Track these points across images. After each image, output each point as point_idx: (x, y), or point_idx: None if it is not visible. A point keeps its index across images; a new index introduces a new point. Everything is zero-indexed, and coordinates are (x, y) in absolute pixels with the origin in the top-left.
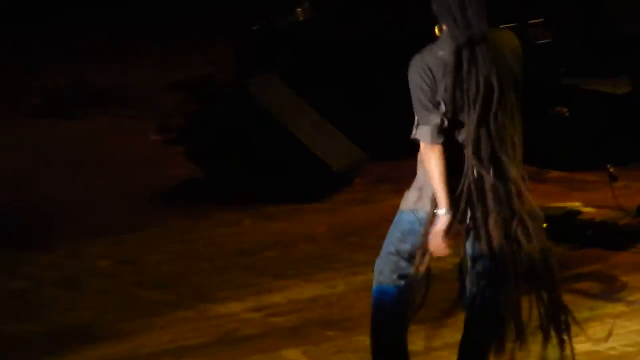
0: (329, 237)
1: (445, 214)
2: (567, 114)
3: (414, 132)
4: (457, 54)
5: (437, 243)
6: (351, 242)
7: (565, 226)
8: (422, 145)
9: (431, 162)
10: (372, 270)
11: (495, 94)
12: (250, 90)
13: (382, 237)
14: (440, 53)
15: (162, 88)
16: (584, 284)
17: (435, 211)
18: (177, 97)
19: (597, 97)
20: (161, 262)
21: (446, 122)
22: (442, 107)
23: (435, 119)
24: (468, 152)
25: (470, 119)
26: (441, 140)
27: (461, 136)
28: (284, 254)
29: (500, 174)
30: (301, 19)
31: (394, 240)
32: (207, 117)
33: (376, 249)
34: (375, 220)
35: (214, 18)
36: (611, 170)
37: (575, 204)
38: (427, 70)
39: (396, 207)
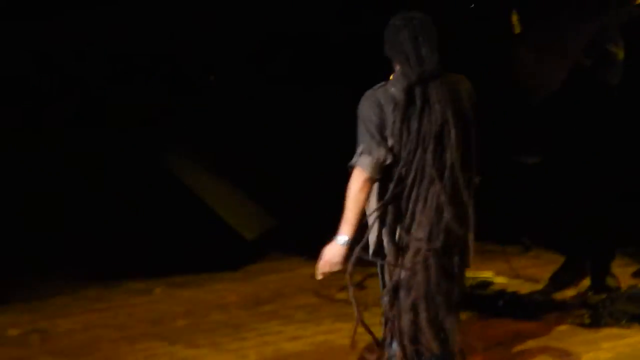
0: (241, 306)
1: (344, 244)
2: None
3: (354, 159)
4: (409, 90)
5: (323, 270)
6: (263, 312)
7: (477, 296)
8: (356, 172)
9: (357, 189)
10: (283, 340)
11: (451, 132)
12: (160, 158)
13: (294, 306)
14: (392, 90)
15: None
16: (495, 355)
17: (336, 237)
18: None
19: (514, 167)
20: (72, 331)
21: (389, 159)
22: (389, 142)
23: (380, 152)
24: (411, 187)
25: (418, 156)
26: (379, 177)
27: (403, 173)
28: (195, 323)
29: (440, 210)
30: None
31: None
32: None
33: (288, 318)
34: (287, 290)
35: None
36: (526, 241)
37: (487, 274)
38: (378, 104)
39: (309, 277)
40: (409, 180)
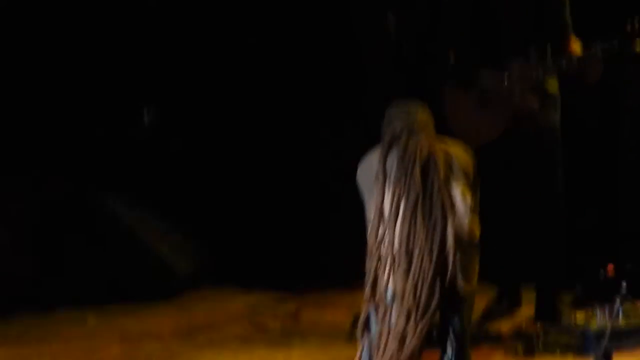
0: (175, 335)
1: None
2: None
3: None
4: (394, 135)
5: None
6: (197, 341)
7: None
8: None
9: None
10: None
11: (435, 175)
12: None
13: (229, 336)
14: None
15: None
16: None
17: None
18: None
19: None
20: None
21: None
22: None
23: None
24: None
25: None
26: None
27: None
28: (129, 352)
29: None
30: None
31: None
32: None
33: (222, 347)
34: (221, 319)
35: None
36: None
37: None
38: (371, 168)
39: (242, 306)
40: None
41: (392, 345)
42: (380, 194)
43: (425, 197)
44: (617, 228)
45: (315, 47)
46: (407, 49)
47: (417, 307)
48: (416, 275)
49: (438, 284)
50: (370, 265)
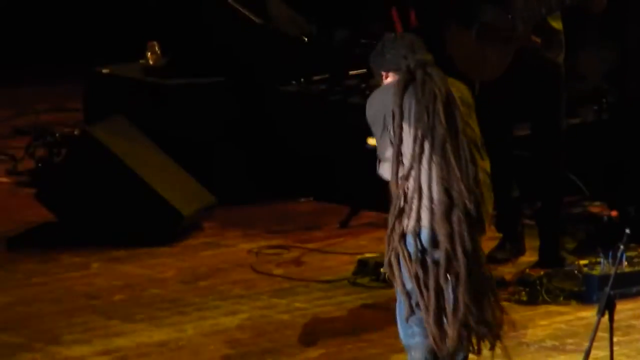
0: (178, 281)
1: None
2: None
3: (378, 168)
4: (409, 73)
5: None
6: (200, 287)
7: None
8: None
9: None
10: (221, 315)
11: (457, 110)
12: (96, 134)
13: (231, 282)
14: (393, 90)
15: (7, 133)
16: None
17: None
18: (24, 142)
19: None
20: (8, 304)
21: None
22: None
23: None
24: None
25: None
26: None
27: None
28: (133, 297)
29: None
30: (151, 63)
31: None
32: (54, 161)
33: (225, 293)
34: (225, 265)
35: (60, 64)
36: None
37: None
38: (383, 104)
39: (245, 252)
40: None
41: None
42: (398, 133)
43: (451, 136)
44: (620, 172)
45: None
46: None
47: (464, 249)
48: (459, 216)
49: (478, 224)
50: (395, 203)
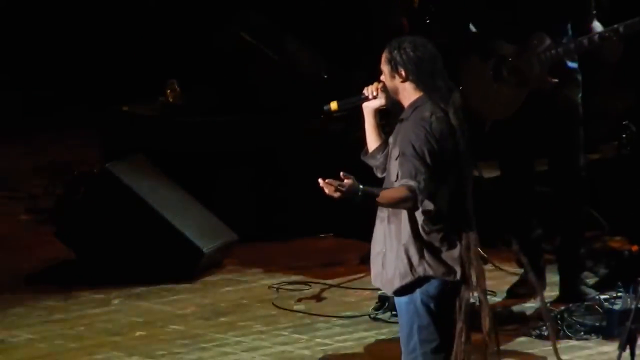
0: (199, 317)
1: (360, 192)
2: None
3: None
4: (455, 114)
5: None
6: (221, 323)
7: None
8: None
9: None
10: (242, 351)
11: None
12: (115, 171)
13: (252, 318)
14: (438, 115)
15: (27, 172)
16: None
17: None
18: (44, 180)
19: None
20: (29, 341)
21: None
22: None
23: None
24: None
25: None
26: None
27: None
28: (153, 334)
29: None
30: (170, 100)
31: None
32: (73, 199)
33: (246, 329)
34: (245, 301)
35: (80, 102)
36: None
37: None
38: (434, 133)
39: (266, 288)
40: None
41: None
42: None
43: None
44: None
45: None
46: (429, 18)
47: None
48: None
49: None
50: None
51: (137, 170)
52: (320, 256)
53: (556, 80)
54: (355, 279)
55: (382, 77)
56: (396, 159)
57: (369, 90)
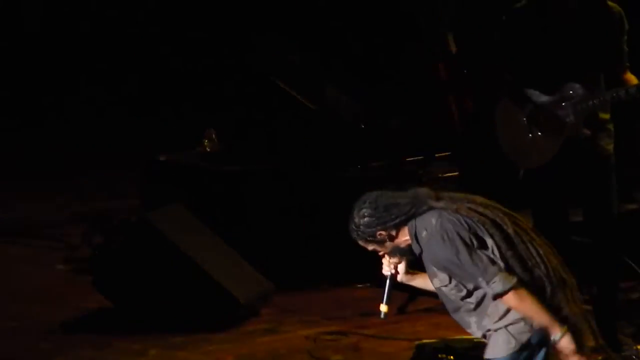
0: None
1: (563, 334)
2: None
3: (489, 292)
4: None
5: None
6: None
7: (471, 357)
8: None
9: (526, 301)
10: None
11: None
12: (153, 221)
13: None
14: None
15: (67, 220)
16: None
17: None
18: (82, 229)
19: None
20: None
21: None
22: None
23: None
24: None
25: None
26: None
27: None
28: None
29: None
30: (208, 150)
31: None
32: (111, 248)
33: None
34: (282, 351)
35: (120, 152)
36: None
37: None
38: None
39: (303, 338)
40: None
41: None
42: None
43: None
44: None
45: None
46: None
47: None
48: None
49: None
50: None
51: (174, 219)
52: (357, 306)
53: (589, 132)
54: (392, 329)
55: (381, 254)
56: (445, 285)
57: (387, 271)
